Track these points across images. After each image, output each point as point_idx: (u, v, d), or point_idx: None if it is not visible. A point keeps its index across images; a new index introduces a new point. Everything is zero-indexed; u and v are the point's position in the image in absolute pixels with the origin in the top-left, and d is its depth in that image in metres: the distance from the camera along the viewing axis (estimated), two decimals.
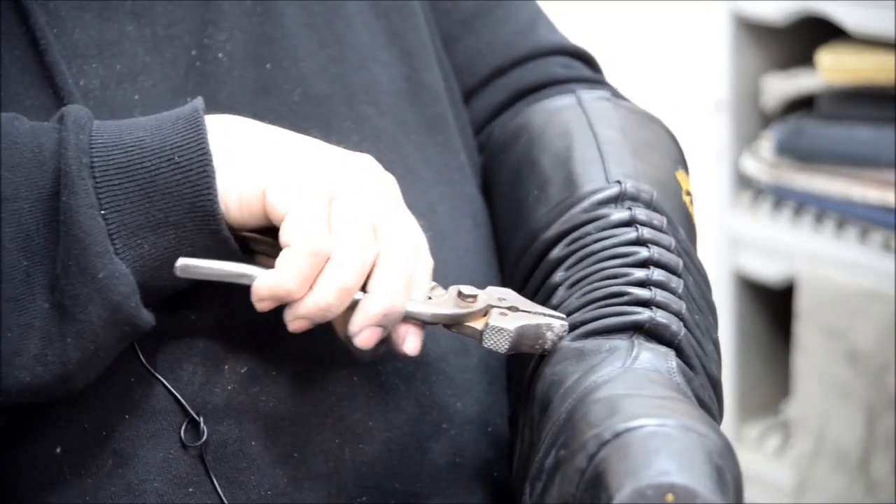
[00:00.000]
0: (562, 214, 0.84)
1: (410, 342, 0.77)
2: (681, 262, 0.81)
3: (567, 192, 0.85)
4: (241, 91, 0.85)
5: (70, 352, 0.74)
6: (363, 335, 0.75)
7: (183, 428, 0.79)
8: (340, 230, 0.75)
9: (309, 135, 0.81)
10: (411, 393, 0.84)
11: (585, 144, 0.88)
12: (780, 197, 1.96)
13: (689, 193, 0.90)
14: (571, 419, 0.70)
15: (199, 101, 0.77)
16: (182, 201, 0.74)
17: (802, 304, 1.89)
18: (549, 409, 0.74)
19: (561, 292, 0.81)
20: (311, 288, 0.74)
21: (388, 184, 0.79)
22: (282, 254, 0.74)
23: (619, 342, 0.76)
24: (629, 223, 0.82)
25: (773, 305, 2.05)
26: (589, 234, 0.82)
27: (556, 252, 0.83)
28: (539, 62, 0.99)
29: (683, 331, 0.77)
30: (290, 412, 0.80)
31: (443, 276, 0.81)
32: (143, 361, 0.79)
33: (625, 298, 0.78)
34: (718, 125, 2.00)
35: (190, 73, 0.84)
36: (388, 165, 0.83)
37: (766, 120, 2.01)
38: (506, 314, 0.78)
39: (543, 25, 1.02)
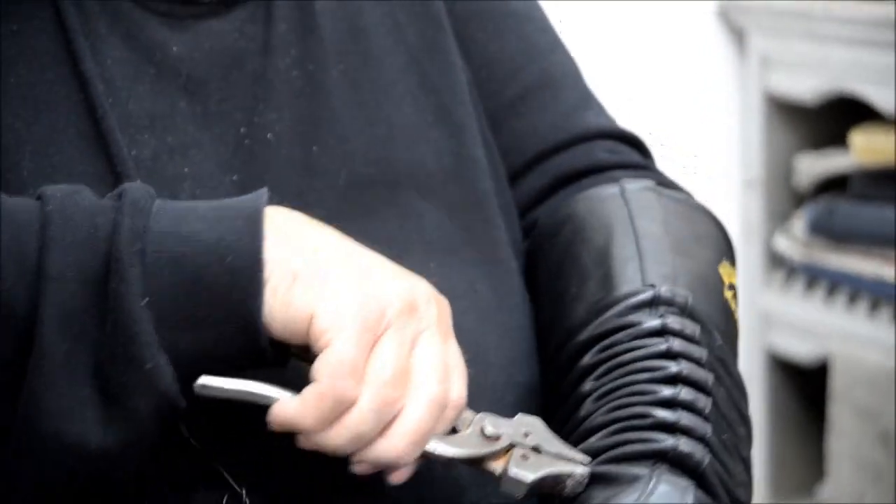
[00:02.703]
0: (597, 316, 0.83)
1: (399, 476, 0.76)
2: (711, 378, 0.81)
3: (603, 292, 0.85)
4: (288, 171, 0.85)
5: (111, 436, 0.74)
6: (362, 468, 0.76)
7: (224, 500, 0.79)
8: (373, 380, 0.74)
9: (351, 219, 0.81)
10: (446, 479, 0.84)
11: (624, 240, 0.87)
12: (813, 276, 1.96)
13: (732, 287, 0.89)
14: None
15: (261, 198, 0.76)
16: (227, 304, 0.73)
17: (836, 384, 1.88)
18: None
19: (588, 405, 0.81)
20: (327, 425, 0.74)
21: (440, 315, 0.77)
22: (309, 389, 0.74)
23: (642, 471, 0.76)
24: (660, 332, 0.81)
25: (806, 386, 2.04)
26: (621, 342, 0.82)
27: (588, 359, 0.82)
28: (584, 147, 0.99)
29: (707, 458, 0.77)
30: (327, 484, 0.80)
31: (482, 356, 0.82)
32: (185, 432, 0.79)
33: (649, 421, 0.78)
34: (751, 203, 2.00)
35: (238, 151, 0.85)
36: (428, 247, 0.84)
37: (799, 199, 2.01)
38: (527, 457, 0.77)
39: (591, 108, 1.01)
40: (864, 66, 1.84)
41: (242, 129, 0.85)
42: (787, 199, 2.02)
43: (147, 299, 0.72)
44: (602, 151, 0.99)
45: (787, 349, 1.97)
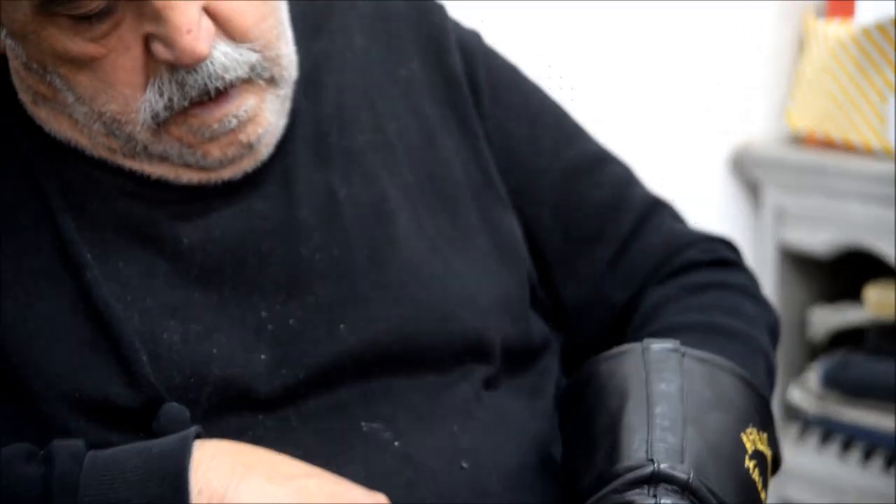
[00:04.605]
0: (597, 490, 0.84)
1: None
2: None
3: (607, 464, 0.85)
4: (315, 350, 0.87)
5: None
6: None
7: None
8: None
9: (374, 392, 0.85)
10: None
11: (636, 407, 0.87)
12: (828, 430, 1.95)
13: (756, 455, 0.88)
14: None
15: (186, 447, 0.79)
16: None
17: None
18: None
19: None
20: None
21: None
22: None
23: None
24: None
25: None
26: None
27: None
28: (689, 251, 1.06)
29: None
30: None
31: None
32: None
33: None
34: None
35: (262, 333, 0.87)
36: (449, 412, 0.87)
37: (813, 352, 2.01)
38: None
39: (679, 220, 1.09)
40: (878, 221, 1.85)
41: (263, 314, 0.87)
42: (801, 351, 2.02)
43: None
44: (699, 253, 1.07)
45: (803, 502, 1.96)
